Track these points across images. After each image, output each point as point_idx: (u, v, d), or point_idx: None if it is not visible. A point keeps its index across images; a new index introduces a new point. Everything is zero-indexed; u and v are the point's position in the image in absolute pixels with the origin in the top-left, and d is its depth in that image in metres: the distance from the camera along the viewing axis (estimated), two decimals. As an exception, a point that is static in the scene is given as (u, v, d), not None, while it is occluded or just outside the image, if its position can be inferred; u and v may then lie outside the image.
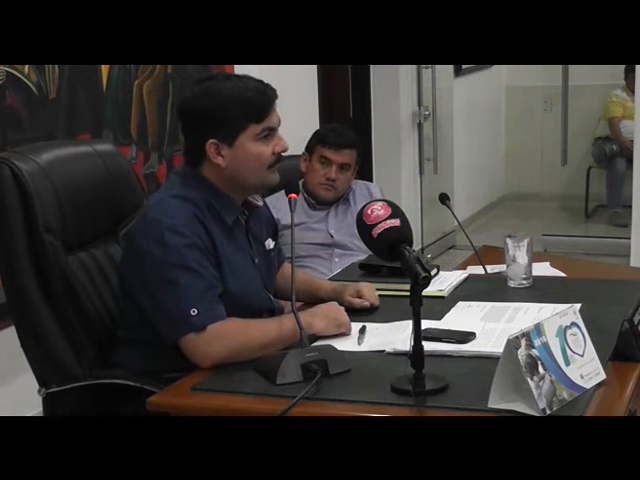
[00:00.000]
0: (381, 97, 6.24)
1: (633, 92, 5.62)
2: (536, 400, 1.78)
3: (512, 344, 1.80)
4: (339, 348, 2.14)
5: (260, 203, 2.46)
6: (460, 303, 2.53)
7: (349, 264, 3.00)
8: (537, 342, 1.84)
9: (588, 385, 1.91)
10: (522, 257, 2.66)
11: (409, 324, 1.96)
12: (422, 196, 6.55)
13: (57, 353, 2.37)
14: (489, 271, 2.91)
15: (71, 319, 2.37)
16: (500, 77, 8.19)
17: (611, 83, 7.43)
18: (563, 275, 2.90)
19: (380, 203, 2.12)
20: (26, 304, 2.35)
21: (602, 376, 1.96)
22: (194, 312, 2.16)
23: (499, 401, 1.83)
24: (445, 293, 2.64)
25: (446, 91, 6.83)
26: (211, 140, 2.29)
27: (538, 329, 1.86)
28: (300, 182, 3.59)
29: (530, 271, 2.68)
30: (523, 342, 1.81)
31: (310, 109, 5.22)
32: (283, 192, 3.40)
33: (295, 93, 4.76)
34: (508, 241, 2.68)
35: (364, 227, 2.10)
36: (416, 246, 5.86)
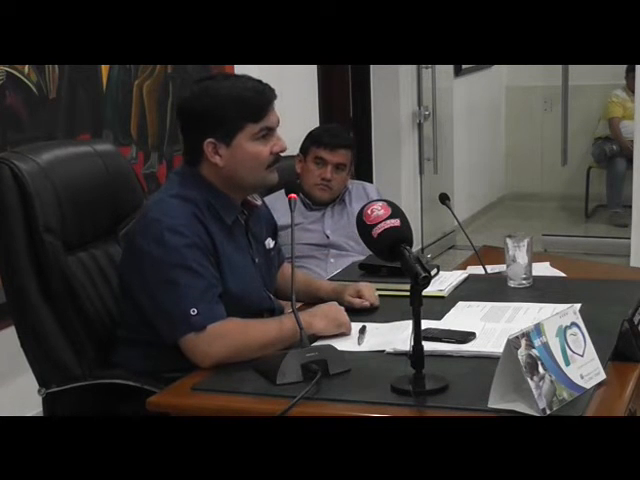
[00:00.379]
0: (381, 97, 6.24)
1: (633, 92, 5.62)
2: (536, 400, 1.78)
3: (512, 344, 1.80)
4: (339, 348, 2.14)
5: (259, 202, 2.47)
6: (460, 303, 2.53)
7: (347, 264, 3.00)
8: (537, 342, 1.84)
9: (588, 385, 1.91)
10: (522, 257, 2.66)
11: (409, 324, 1.96)
12: (422, 196, 6.55)
13: (57, 353, 2.37)
14: (489, 271, 2.91)
15: (71, 319, 2.37)
16: (500, 77, 8.19)
17: (611, 83, 7.43)
18: (563, 275, 2.90)
19: (380, 203, 2.12)
20: (26, 304, 2.35)
21: (602, 376, 1.96)
22: (194, 312, 2.16)
23: (499, 401, 1.83)
24: (445, 293, 2.64)
25: (446, 91, 6.83)
26: (209, 139, 2.29)
27: (538, 329, 1.86)
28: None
29: (530, 271, 2.68)
30: (523, 342, 1.81)
31: (310, 109, 5.22)
32: (281, 192, 3.39)
33: (295, 93, 4.76)
34: (508, 241, 2.68)
35: (364, 227, 2.10)
36: (416, 246, 5.86)
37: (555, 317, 1.94)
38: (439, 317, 2.40)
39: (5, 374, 3.33)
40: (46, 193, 2.35)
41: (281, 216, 3.17)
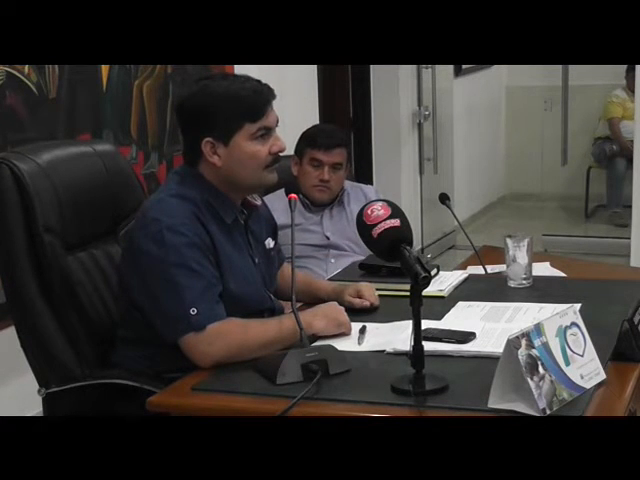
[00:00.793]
0: (381, 97, 6.24)
1: (633, 92, 5.62)
2: (536, 400, 1.78)
3: (512, 344, 1.80)
4: (339, 348, 2.14)
5: (258, 202, 2.46)
6: (460, 303, 2.53)
7: (347, 264, 3.00)
8: (537, 342, 1.84)
9: (588, 385, 1.91)
10: (522, 257, 2.66)
11: (409, 324, 1.96)
12: (422, 196, 6.55)
13: (57, 353, 2.37)
14: (489, 271, 2.91)
15: (71, 319, 2.37)
16: (500, 77, 8.19)
17: (611, 83, 7.44)
18: (563, 275, 2.90)
19: (380, 203, 2.12)
20: (26, 304, 2.35)
21: (602, 376, 1.96)
22: (194, 311, 2.16)
23: (499, 401, 1.83)
24: (445, 293, 2.63)
25: (446, 91, 6.83)
26: (207, 139, 2.29)
27: (538, 329, 1.86)
28: None
29: (530, 271, 2.68)
30: (523, 342, 1.81)
31: (310, 109, 5.21)
32: (281, 191, 3.40)
33: (295, 93, 4.76)
34: (508, 241, 2.68)
35: (364, 227, 2.10)
36: (416, 246, 5.86)
37: (555, 317, 1.94)
38: (439, 317, 2.40)
39: (5, 374, 3.33)
40: (46, 193, 2.35)
41: (279, 216, 3.17)
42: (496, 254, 2.96)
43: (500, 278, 2.75)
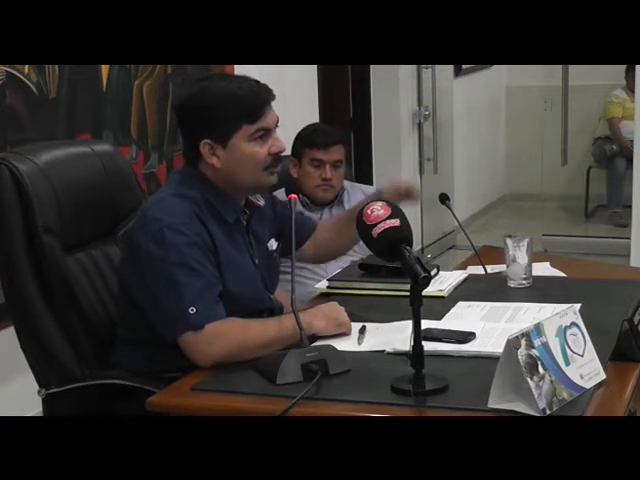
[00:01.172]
0: (381, 97, 6.24)
1: (633, 92, 5.62)
2: (536, 400, 1.78)
3: (512, 344, 1.80)
4: (339, 348, 2.14)
5: (261, 203, 2.46)
6: (460, 303, 2.53)
7: (347, 264, 3.00)
8: (537, 342, 1.84)
9: (588, 385, 1.91)
10: (522, 257, 2.66)
11: (409, 324, 1.96)
12: (422, 196, 6.54)
13: (56, 354, 2.37)
14: (489, 271, 2.90)
15: (70, 319, 2.37)
16: (500, 77, 8.20)
17: (611, 83, 7.44)
18: (563, 275, 2.90)
19: (380, 203, 2.11)
20: (25, 305, 2.35)
21: (602, 376, 1.96)
22: (192, 310, 2.16)
23: (499, 401, 1.83)
24: (445, 293, 2.63)
25: (446, 91, 6.83)
26: (205, 140, 2.28)
27: (538, 329, 1.86)
28: None
29: (530, 271, 2.68)
30: (523, 342, 1.81)
31: (310, 109, 5.21)
32: (281, 192, 3.39)
33: (295, 93, 4.76)
34: (508, 241, 2.68)
35: (364, 227, 2.09)
36: (416, 246, 5.86)
37: (555, 317, 1.94)
38: (439, 317, 2.40)
39: (5, 374, 3.33)
40: (45, 194, 2.35)
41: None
42: (496, 254, 2.96)
43: (500, 278, 2.75)
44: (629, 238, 5.42)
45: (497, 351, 1.93)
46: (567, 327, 1.94)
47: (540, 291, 2.62)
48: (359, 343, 2.26)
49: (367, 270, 2.75)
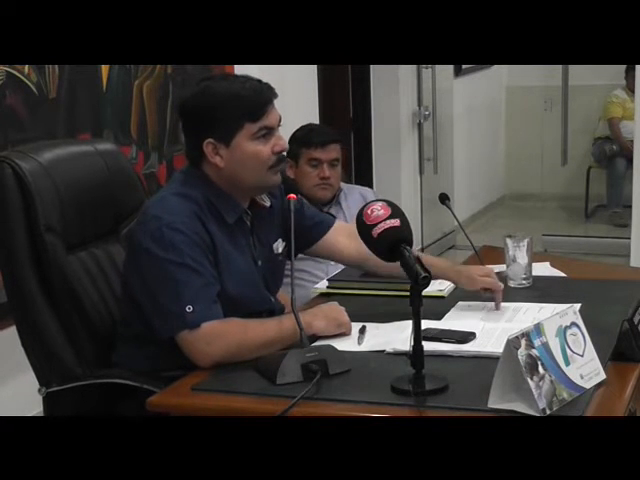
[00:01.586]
0: (381, 97, 6.24)
1: (633, 92, 5.61)
2: (536, 400, 1.78)
3: (512, 344, 1.80)
4: (339, 348, 2.14)
5: (267, 204, 2.44)
6: (460, 303, 2.53)
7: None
8: (537, 342, 1.84)
9: (588, 385, 1.91)
10: (522, 257, 2.66)
11: (409, 324, 1.96)
12: (422, 196, 6.55)
13: (57, 352, 2.37)
14: (489, 271, 2.90)
15: (72, 318, 2.37)
16: (500, 77, 8.19)
17: (611, 83, 7.44)
18: (563, 275, 2.90)
19: (380, 203, 2.11)
20: (27, 303, 2.35)
21: (602, 376, 1.96)
22: (189, 309, 2.16)
23: (499, 401, 1.83)
24: (445, 293, 2.63)
25: (446, 91, 6.83)
26: (208, 140, 2.28)
27: (538, 329, 1.86)
28: None
29: (530, 271, 2.68)
30: (523, 342, 1.81)
31: (310, 109, 5.21)
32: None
33: (295, 93, 4.76)
34: (508, 241, 2.68)
35: (364, 227, 2.09)
36: (416, 246, 5.85)
37: (555, 317, 1.94)
38: (439, 317, 2.40)
39: (5, 374, 3.33)
40: (47, 192, 2.35)
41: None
42: (496, 254, 2.96)
43: (500, 278, 2.75)
44: (629, 238, 5.42)
45: (497, 351, 1.93)
46: (567, 327, 1.94)
47: (540, 291, 2.62)
48: (359, 343, 2.26)
49: (367, 270, 2.75)
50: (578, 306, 2.12)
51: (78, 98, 3.60)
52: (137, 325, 2.31)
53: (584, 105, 7.56)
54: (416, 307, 1.93)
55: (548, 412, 1.79)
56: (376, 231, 2.06)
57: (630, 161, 5.85)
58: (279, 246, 2.49)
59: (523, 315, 2.38)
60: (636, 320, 2.12)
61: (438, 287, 2.64)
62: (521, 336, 1.82)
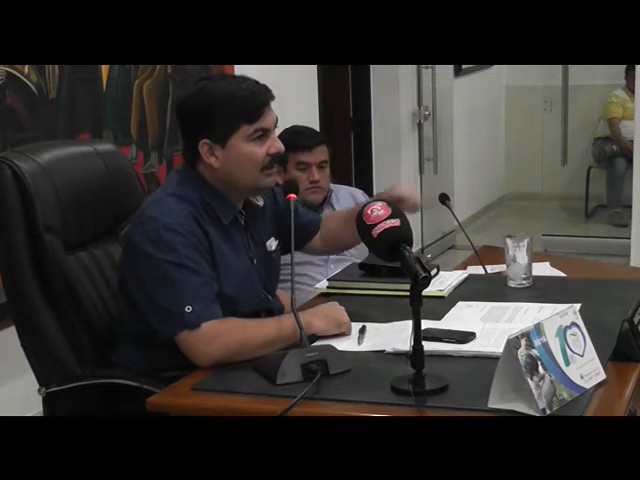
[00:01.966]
0: (381, 97, 6.24)
1: (633, 92, 5.62)
2: (536, 400, 1.78)
3: (512, 344, 1.80)
4: (339, 348, 2.14)
5: (261, 203, 2.46)
6: (460, 303, 2.53)
7: (348, 264, 2.99)
8: (537, 342, 1.84)
9: (588, 385, 1.91)
10: (522, 257, 2.66)
11: (409, 324, 1.96)
12: (422, 196, 6.55)
13: (57, 352, 2.37)
14: (489, 271, 2.90)
15: (71, 318, 2.37)
16: (500, 77, 8.20)
17: (611, 83, 7.44)
18: (563, 275, 2.90)
19: (380, 203, 2.11)
20: (26, 304, 2.35)
21: (602, 376, 1.96)
22: (188, 309, 2.16)
23: (499, 401, 1.83)
24: (445, 293, 2.63)
25: (446, 91, 6.83)
26: (204, 140, 2.29)
27: (538, 329, 1.86)
28: None
29: (530, 271, 2.68)
30: (523, 342, 1.81)
31: (310, 109, 5.22)
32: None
33: (295, 93, 4.76)
34: (508, 241, 2.68)
35: (364, 227, 2.10)
36: (416, 246, 5.86)
37: (555, 317, 1.94)
38: (439, 317, 2.40)
39: (5, 374, 3.33)
40: (47, 193, 2.35)
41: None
42: (496, 254, 2.96)
43: (500, 278, 2.75)
44: (629, 238, 5.43)
45: (497, 351, 1.93)
46: (567, 327, 1.94)
47: (540, 291, 2.62)
48: (359, 343, 2.26)
49: (367, 270, 2.76)
50: (578, 306, 2.12)
51: (78, 98, 3.60)
52: (136, 324, 2.31)
53: (584, 105, 7.57)
54: (416, 307, 1.93)
55: (548, 412, 1.79)
56: (376, 231, 2.06)
57: (630, 161, 5.85)
58: (272, 244, 2.51)
59: (523, 315, 2.38)
60: (636, 320, 2.12)
61: (438, 287, 2.64)
62: (521, 336, 1.82)
